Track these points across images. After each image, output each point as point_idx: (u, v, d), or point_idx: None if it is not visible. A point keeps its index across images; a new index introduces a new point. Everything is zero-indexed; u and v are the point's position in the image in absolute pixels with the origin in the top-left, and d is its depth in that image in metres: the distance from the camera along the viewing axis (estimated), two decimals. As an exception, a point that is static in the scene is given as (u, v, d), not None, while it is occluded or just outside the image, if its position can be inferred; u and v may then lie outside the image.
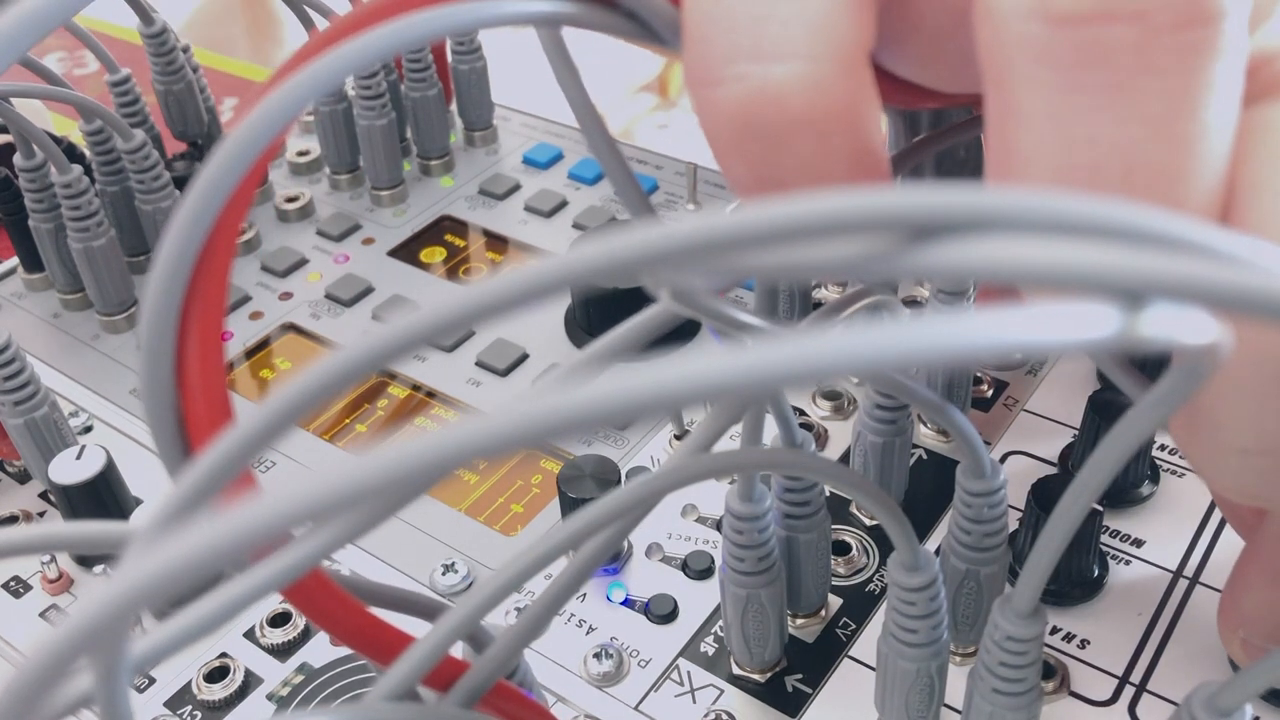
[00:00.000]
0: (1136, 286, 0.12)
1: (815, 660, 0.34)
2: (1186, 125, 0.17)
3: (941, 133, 0.27)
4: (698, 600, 0.35)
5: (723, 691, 0.33)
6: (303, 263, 0.52)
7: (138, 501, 0.39)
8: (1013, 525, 0.34)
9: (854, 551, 0.36)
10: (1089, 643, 0.33)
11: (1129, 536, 0.36)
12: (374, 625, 0.20)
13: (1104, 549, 0.35)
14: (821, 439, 0.41)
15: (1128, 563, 0.35)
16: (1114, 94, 0.16)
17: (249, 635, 0.35)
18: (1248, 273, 0.12)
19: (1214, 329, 0.12)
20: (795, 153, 0.18)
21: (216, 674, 0.34)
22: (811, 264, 0.13)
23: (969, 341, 0.11)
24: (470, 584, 0.37)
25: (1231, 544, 0.35)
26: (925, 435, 0.40)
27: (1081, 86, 0.16)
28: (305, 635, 0.35)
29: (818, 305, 0.44)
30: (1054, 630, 0.34)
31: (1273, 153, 0.18)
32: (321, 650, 0.35)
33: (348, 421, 0.44)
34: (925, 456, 0.39)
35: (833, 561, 0.35)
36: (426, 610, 0.22)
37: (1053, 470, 0.38)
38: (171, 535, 0.12)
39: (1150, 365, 0.34)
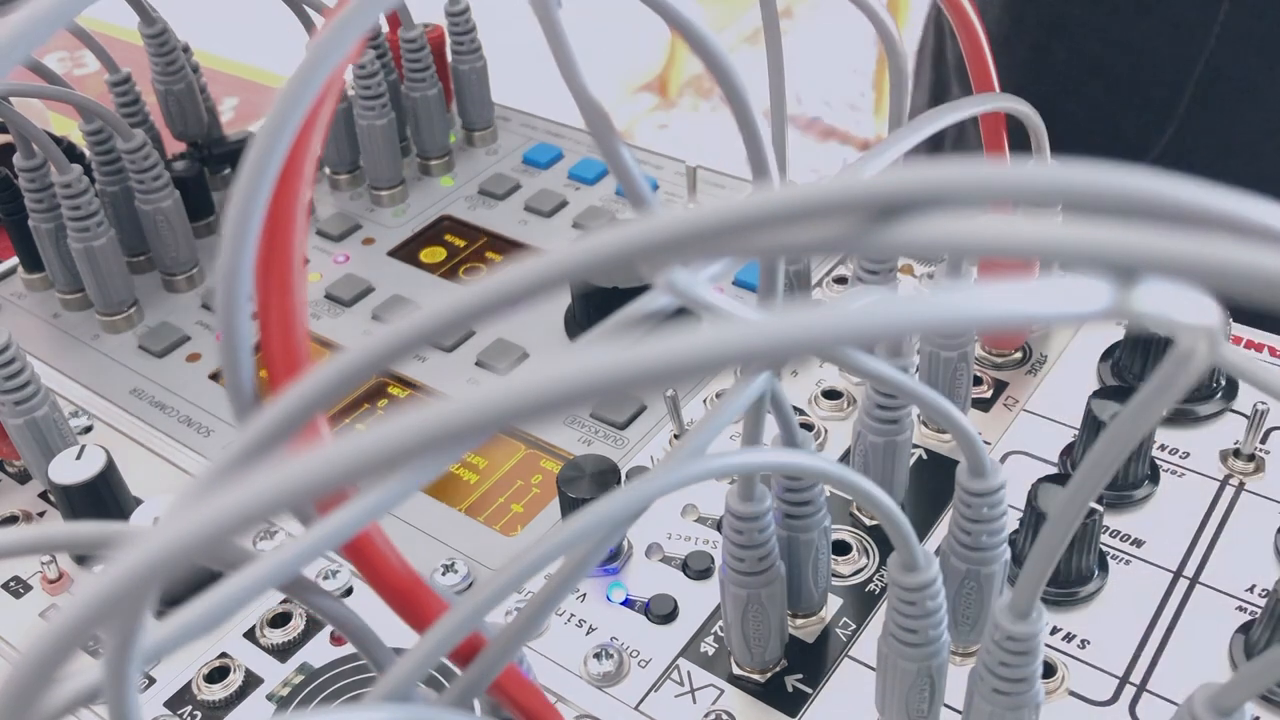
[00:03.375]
0: (1080, 257, 0.12)
1: (815, 660, 0.34)
2: None
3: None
4: (698, 600, 0.35)
5: (723, 691, 0.33)
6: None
7: (138, 501, 0.39)
8: (1013, 525, 0.34)
9: (854, 551, 0.36)
10: (1089, 643, 0.33)
11: (1129, 536, 0.36)
12: (418, 588, 0.21)
13: (1104, 549, 0.35)
14: (821, 439, 0.41)
15: (1128, 563, 0.35)
16: None
17: (249, 635, 0.35)
18: (1239, 250, 0.11)
19: (1206, 309, 0.12)
20: None
21: (216, 674, 0.34)
22: (789, 245, 0.13)
23: (964, 312, 0.11)
24: (470, 584, 0.37)
25: (1232, 543, 0.35)
26: (925, 435, 0.40)
27: None
28: (305, 635, 0.35)
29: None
30: (1054, 630, 0.34)
31: None
32: (321, 650, 0.35)
33: (348, 422, 0.44)
34: (925, 456, 0.39)
35: (833, 561, 0.35)
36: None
37: (1053, 470, 0.38)
38: (239, 479, 0.12)
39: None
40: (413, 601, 0.21)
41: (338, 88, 0.17)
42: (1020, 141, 0.35)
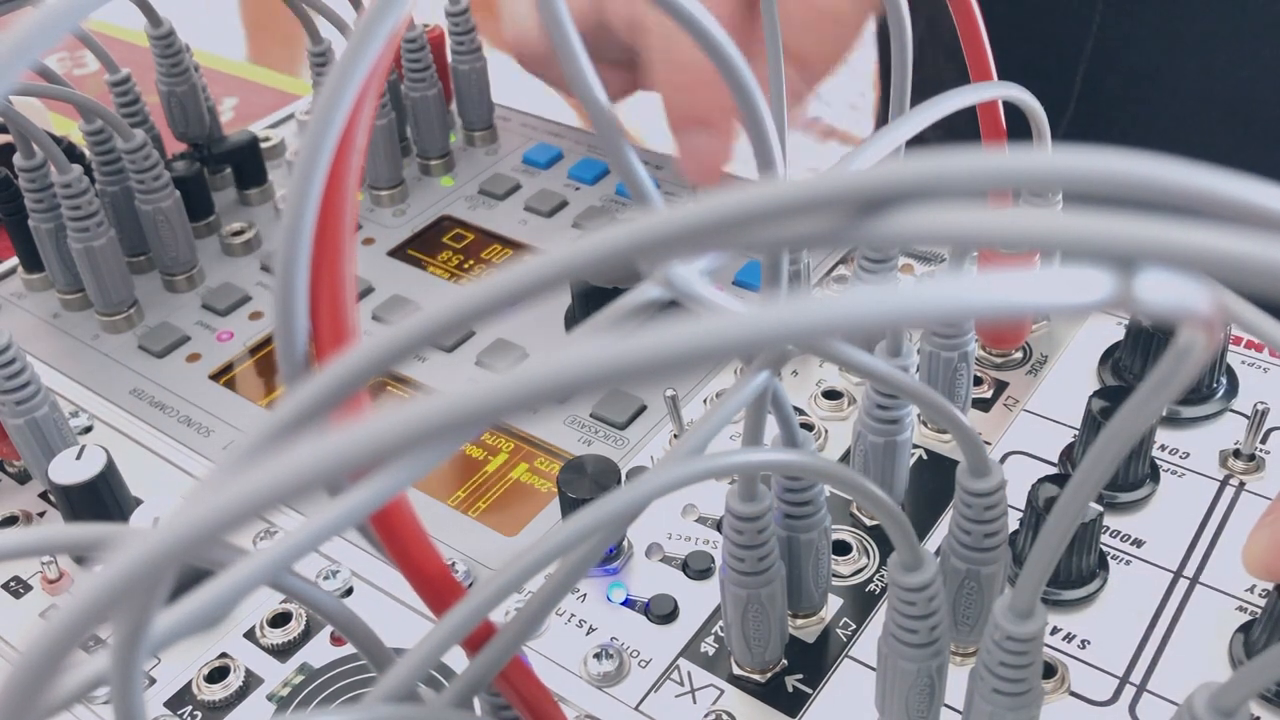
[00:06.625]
0: (1073, 248, 0.12)
1: (815, 660, 0.34)
2: None
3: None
4: (698, 600, 0.35)
5: (723, 691, 0.33)
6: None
7: (138, 502, 0.39)
8: (1013, 525, 0.34)
9: (854, 551, 0.36)
10: (1089, 643, 0.33)
11: (1129, 536, 0.36)
12: (444, 574, 0.21)
13: (1104, 549, 0.35)
14: (821, 439, 0.41)
15: (1128, 563, 0.35)
16: None
17: (249, 635, 0.35)
18: (1242, 239, 0.11)
19: (1202, 299, 0.12)
20: None
21: (216, 674, 0.34)
22: (784, 239, 0.13)
23: (960, 301, 0.11)
24: (470, 584, 0.37)
25: (1232, 543, 0.35)
26: (925, 435, 0.40)
27: None
28: (305, 635, 0.35)
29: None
30: (1054, 630, 0.34)
31: None
32: (321, 650, 0.35)
33: (348, 421, 0.44)
34: (925, 456, 0.39)
35: (833, 561, 0.35)
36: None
37: (1053, 470, 0.38)
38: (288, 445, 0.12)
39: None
40: (440, 584, 0.21)
41: (395, 47, 0.18)
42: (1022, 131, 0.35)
